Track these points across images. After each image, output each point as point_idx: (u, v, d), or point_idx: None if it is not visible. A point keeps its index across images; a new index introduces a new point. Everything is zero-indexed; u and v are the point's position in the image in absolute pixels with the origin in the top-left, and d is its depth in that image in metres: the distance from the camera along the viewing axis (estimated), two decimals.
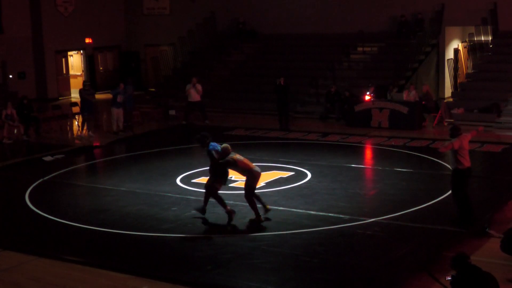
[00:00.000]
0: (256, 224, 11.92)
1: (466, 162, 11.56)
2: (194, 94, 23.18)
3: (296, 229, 11.59)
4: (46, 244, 11.43)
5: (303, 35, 28.50)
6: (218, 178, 12.26)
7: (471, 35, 25.53)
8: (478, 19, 25.23)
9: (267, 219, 12.12)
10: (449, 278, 7.87)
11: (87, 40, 32.27)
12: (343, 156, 17.38)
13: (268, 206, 12.30)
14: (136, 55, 33.91)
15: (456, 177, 11.68)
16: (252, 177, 12.06)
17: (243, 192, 12.13)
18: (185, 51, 30.70)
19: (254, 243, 10.99)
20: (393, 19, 26.97)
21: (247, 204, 12.13)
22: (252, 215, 12.21)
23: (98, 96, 31.09)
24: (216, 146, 12.31)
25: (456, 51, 27.38)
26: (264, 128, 21.86)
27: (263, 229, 11.67)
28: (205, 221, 12.27)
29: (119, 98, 21.39)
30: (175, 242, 11.47)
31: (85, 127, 21.97)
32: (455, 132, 11.67)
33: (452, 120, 21.73)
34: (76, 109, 24.10)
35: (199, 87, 23.21)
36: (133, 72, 32.32)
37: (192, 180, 15.22)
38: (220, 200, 12.23)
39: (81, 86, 22.59)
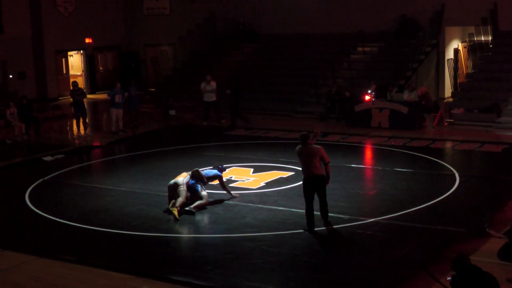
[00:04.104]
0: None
1: (304, 172, 11.63)
2: (209, 93, 23.16)
3: (296, 229, 11.58)
4: (46, 244, 11.42)
5: (303, 35, 28.46)
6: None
7: (471, 35, 25.51)
8: (478, 19, 25.21)
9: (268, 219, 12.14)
10: (449, 278, 7.86)
11: (87, 40, 32.25)
12: (343, 156, 17.34)
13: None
14: (136, 55, 33.90)
15: (303, 184, 11.68)
16: None
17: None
18: (185, 51, 30.67)
19: (254, 243, 10.97)
20: (393, 19, 26.93)
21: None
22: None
23: (99, 96, 31.23)
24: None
25: (456, 51, 27.37)
26: (264, 128, 21.84)
27: (263, 229, 11.66)
28: (205, 221, 12.27)
29: (117, 98, 21.42)
30: (175, 242, 11.48)
31: (81, 127, 22.05)
32: (303, 139, 11.83)
33: (451, 120, 21.74)
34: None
35: (213, 84, 23.19)
36: (133, 72, 32.28)
37: None
38: None
39: (80, 86, 22.72)
